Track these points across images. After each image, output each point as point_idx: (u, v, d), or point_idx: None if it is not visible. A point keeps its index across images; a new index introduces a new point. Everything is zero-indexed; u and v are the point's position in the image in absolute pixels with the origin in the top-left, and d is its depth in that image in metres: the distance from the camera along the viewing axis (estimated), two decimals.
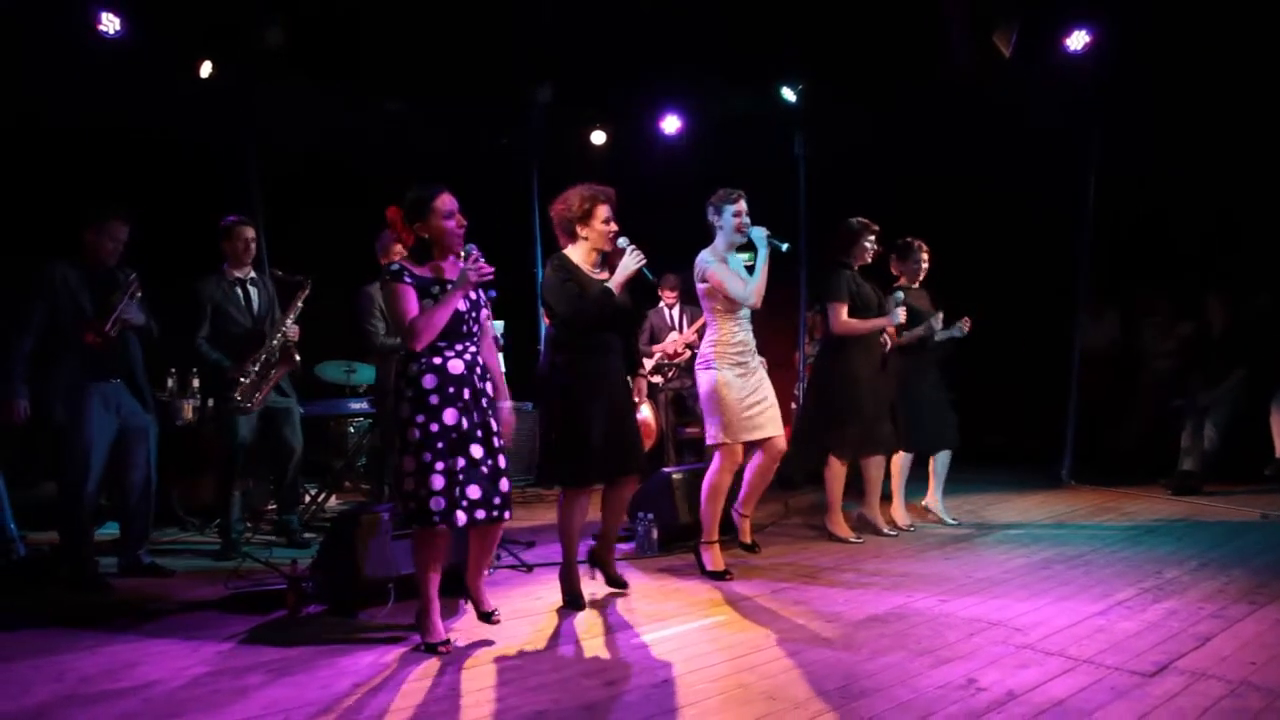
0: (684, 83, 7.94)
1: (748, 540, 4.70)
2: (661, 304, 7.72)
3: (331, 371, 6.53)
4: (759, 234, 4.38)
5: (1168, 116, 6.97)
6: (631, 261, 3.83)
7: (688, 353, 7.34)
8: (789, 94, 7.39)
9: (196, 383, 6.24)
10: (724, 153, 8.03)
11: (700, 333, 4.71)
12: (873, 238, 5.18)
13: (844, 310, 5.07)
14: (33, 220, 6.09)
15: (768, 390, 4.54)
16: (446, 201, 3.40)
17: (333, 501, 6.46)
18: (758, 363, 4.56)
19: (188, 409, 6.17)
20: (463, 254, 3.39)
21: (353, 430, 6.84)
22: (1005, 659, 3.16)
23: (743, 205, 4.44)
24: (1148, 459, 7.19)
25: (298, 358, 5.12)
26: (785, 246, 4.35)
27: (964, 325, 5.40)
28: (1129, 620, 3.58)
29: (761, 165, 7.10)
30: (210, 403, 5.91)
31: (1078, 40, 6.66)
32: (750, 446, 4.55)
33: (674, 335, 7.61)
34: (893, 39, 6.97)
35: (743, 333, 4.48)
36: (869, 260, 5.21)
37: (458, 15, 6.73)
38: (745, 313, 4.49)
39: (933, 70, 6.97)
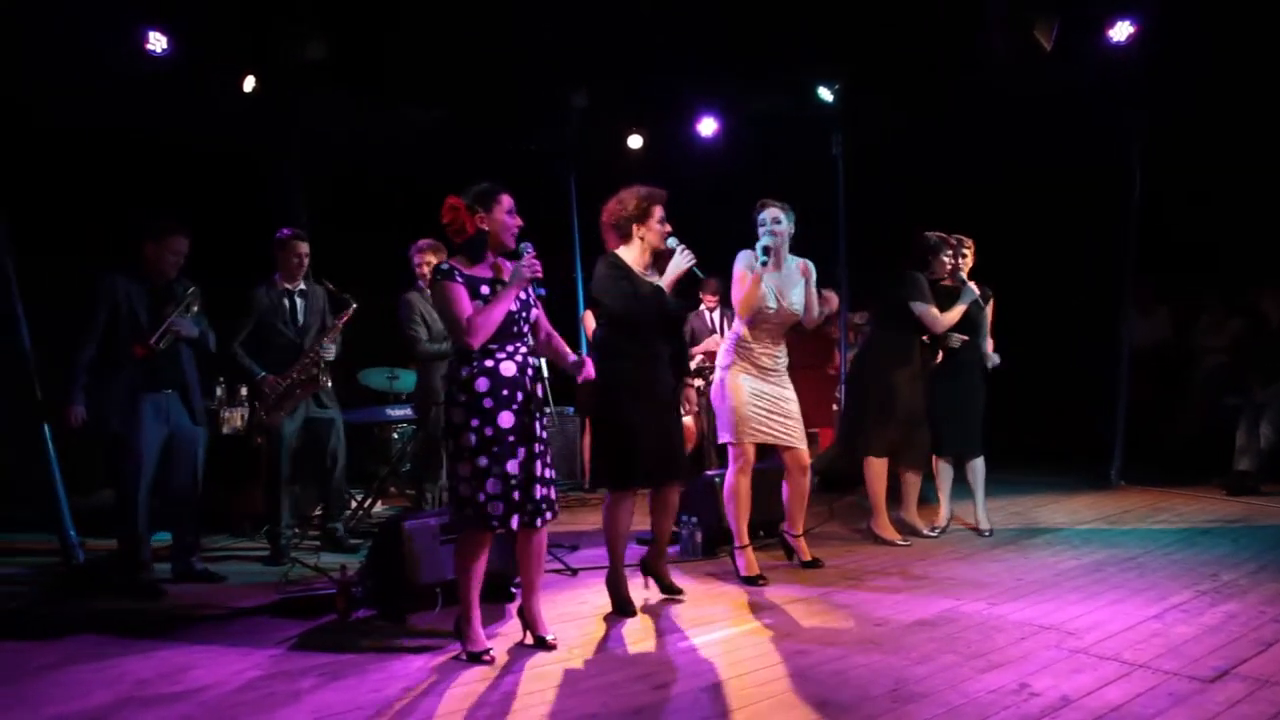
0: (720, 84, 7.93)
1: (808, 558, 4.66)
2: (702, 307, 7.71)
3: (375, 379, 6.60)
4: (762, 244, 4.36)
5: (1215, 107, 6.81)
6: (682, 261, 3.84)
7: None
8: (826, 94, 7.35)
9: (245, 391, 6.36)
10: (761, 154, 8.01)
11: None
12: (950, 252, 5.19)
13: (935, 308, 5.07)
14: (84, 229, 6.28)
15: (788, 400, 4.50)
16: (510, 200, 3.45)
17: (378, 507, 6.54)
18: (785, 378, 4.52)
19: (236, 417, 6.28)
20: (521, 250, 3.42)
21: (396, 437, 6.91)
22: (1058, 663, 3.11)
23: (767, 213, 4.43)
24: (1201, 458, 7.03)
25: (327, 381, 5.17)
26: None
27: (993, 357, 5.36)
28: (1186, 624, 3.50)
29: (799, 166, 7.07)
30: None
31: (1121, 31, 6.52)
32: (766, 451, 4.53)
33: (714, 338, 7.59)
34: (930, 35, 6.90)
35: (764, 337, 4.46)
36: (946, 274, 5.22)
37: (493, 22, 6.78)
38: (772, 323, 4.47)
39: (972, 66, 6.89)
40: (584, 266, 8.34)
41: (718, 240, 4.99)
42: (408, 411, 6.43)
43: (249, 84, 6.50)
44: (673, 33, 7.04)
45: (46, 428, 4.96)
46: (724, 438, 4.47)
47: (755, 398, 4.41)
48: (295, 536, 5.27)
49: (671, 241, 3.88)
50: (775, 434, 4.45)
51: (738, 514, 4.45)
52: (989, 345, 5.41)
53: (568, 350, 3.65)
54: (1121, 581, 4.17)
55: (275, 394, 5.02)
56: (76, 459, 5.37)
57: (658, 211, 3.93)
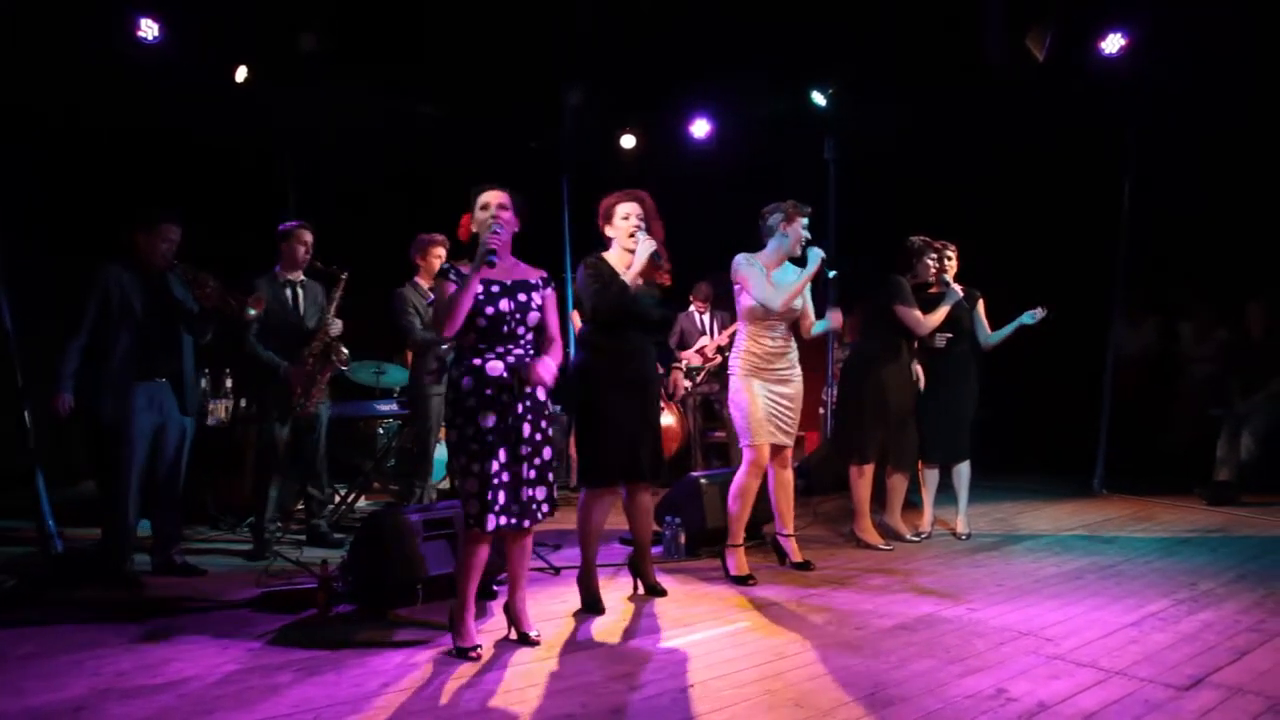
0: (714, 86, 7.94)
1: (799, 559, 4.68)
2: (692, 309, 7.73)
3: (361, 373, 6.58)
4: (815, 254, 4.41)
5: (1205, 119, 6.86)
6: (644, 250, 3.85)
7: (718, 358, 7.33)
8: (819, 97, 7.37)
9: (229, 382, 6.32)
10: (754, 156, 8.02)
11: (733, 338, 4.76)
12: (934, 255, 5.24)
13: (918, 311, 5.11)
14: (76, 220, 6.23)
15: (794, 398, 4.55)
16: (487, 196, 3.42)
17: (362, 502, 6.52)
18: (794, 373, 4.56)
19: (221, 409, 6.24)
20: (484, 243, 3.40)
21: (382, 431, 6.89)
22: (1036, 669, 3.13)
23: (803, 222, 4.50)
24: (1183, 468, 7.07)
25: (345, 352, 5.15)
26: (832, 274, 4.39)
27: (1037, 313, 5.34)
28: (1163, 632, 3.53)
29: (791, 169, 7.08)
30: (244, 402, 5.99)
31: (1112, 43, 6.57)
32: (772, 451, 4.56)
33: (704, 339, 7.62)
34: (925, 42, 6.92)
35: (773, 341, 4.49)
36: (931, 278, 5.26)
37: (489, 20, 6.77)
38: (779, 323, 4.50)
39: (965, 73, 6.92)
40: (574, 266, 8.34)
41: (709, 242, 5.01)
42: (394, 406, 6.42)
43: (241, 74, 6.47)
44: (667, 33, 7.04)
45: (27, 414, 4.93)
46: (743, 441, 4.50)
47: (768, 401, 4.46)
48: (279, 531, 5.26)
49: (639, 235, 3.90)
50: (781, 436, 4.51)
51: (741, 513, 4.48)
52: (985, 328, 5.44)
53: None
54: (1101, 589, 4.20)
55: (303, 384, 5.00)
56: (56, 449, 5.33)
57: (620, 209, 3.98)
